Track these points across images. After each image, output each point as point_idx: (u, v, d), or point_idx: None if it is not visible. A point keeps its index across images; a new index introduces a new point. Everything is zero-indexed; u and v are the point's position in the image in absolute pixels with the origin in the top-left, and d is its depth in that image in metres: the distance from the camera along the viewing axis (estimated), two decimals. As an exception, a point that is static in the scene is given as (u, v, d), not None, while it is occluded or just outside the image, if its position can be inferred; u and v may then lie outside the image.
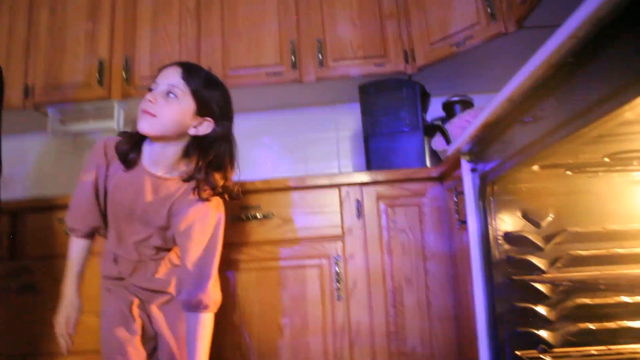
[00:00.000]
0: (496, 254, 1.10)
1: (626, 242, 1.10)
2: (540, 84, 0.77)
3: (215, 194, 1.10)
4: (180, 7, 2.04)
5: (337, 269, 1.51)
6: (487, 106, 0.94)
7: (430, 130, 1.75)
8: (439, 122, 1.77)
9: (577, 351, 1.05)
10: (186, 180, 1.09)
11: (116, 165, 1.11)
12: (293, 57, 1.94)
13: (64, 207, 1.58)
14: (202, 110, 1.08)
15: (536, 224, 1.11)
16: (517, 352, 1.05)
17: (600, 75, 0.63)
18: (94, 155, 1.13)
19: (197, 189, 1.08)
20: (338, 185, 1.56)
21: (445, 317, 1.47)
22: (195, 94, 1.06)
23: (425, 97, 1.80)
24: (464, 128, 1.75)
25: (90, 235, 1.18)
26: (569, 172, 1.04)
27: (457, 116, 1.76)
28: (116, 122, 1.97)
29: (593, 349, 1.05)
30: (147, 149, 1.12)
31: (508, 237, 1.10)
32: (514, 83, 0.80)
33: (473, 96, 1.92)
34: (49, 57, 2.02)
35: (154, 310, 1.14)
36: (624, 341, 1.05)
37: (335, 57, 1.94)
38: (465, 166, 1.20)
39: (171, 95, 1.05)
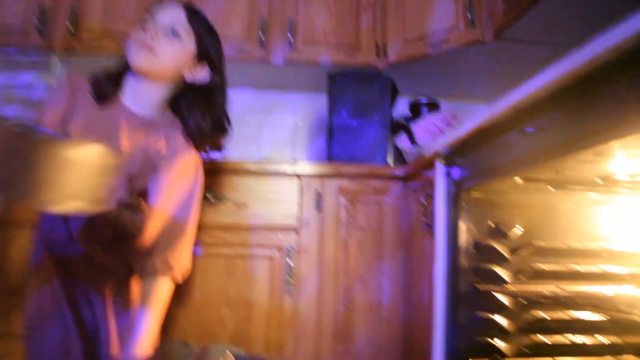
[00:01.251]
0: (463, 262, 1.11)
1: (583, 260, 1.15)
2: (555, 95, 0.74)
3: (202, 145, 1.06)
4: (142, -43, 1.87)
5: (289, 261, 1.45)
6: (484, 111, 0.92)
7: (396, 128, 1.73)
8: (404, 121, 1.75)
9: (528, 363, 1.07)
10: (187, 134, 1.02)
11: (85, 102, 0.98)
12: (261, 34, 1.84)
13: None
14: (202, 55, 1.04)
15: (504, 235, 1.12)
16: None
17: (628, 97, 0.61)
18: (55, 90, 1.00)
19: (192, 140, 1.03)
20: (299, 175, 1.50)
21: (395, 319, 1.46)
22: (199, 38, 1.03)
23: (394, 94, 1.78)
24: (429, 130, 1.75)
25: None
26: (550, 188, 1.05)
27: (424, 117, 1.76)
28: (55, 78, 1.77)
29: (542, 361, 1.08)
30: (130, 85, 1.02)
31: (477, 246, 1.11)
32: (525, 90, 0.77)
33: (439, 100, 1.93)
34: (-19, -9, 1.77)
35: (101, 296, 0.99)
36: (569, 353, 1.10)
37: (306, 41, 1.87)
38: (440, 169, 1.19)
39: (174, 34, 0.99)
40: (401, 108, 2.00)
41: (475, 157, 1.04)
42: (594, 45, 0.61)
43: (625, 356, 1.08)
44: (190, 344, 1.22)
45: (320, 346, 1.43)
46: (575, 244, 1.14)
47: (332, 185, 1.51)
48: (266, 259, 1.46)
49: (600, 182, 0.95)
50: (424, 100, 1.83)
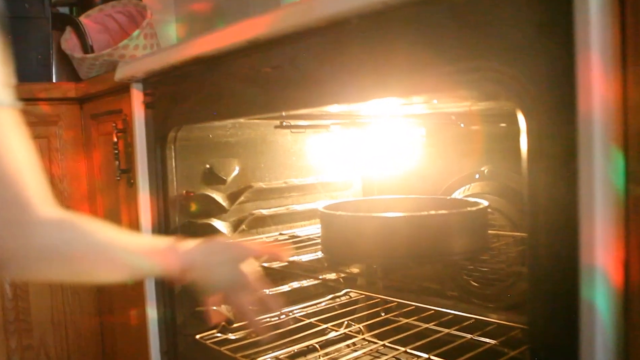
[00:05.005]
0: (175, 218, 1.12)
1: (302, 197, 1.32)
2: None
3: None
4: None
5: None
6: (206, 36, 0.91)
7: (59, 23, 1.54)
8: (71, 14, 1.58)
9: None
10: None
11: None
12: None
13: None
14: None
15: (222, 181, 1.18)
16: (197, 336, 1.12)
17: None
18: None
19: None
20: None
21: (89, 294, 1.44)
22: None
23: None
24: (106, 27, 1.61)
25: None
26: (277, 127, 1.13)
27: (97, 8, 1.60)
28: None
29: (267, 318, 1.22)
30: None
31: (190, 197, 1.14)
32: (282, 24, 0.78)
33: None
34: None
35: None
36: (292, 302, 1.29)
37: None
38: (137, 98, 1.14)
39: None
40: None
41: (189, 88, 1.02)
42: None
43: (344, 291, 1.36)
44: None
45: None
46: (294, 181, 1.30)
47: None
48: None
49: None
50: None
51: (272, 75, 0.84)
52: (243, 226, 1.19)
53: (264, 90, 0.86)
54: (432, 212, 0.94)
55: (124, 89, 1.17)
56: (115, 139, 1.23)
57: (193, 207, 1.13)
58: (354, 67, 0.73)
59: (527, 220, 0.56)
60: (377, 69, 0.70)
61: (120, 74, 1.13)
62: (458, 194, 1.23)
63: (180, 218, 1.12)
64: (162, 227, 1.12)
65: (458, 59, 0.60)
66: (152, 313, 1.15)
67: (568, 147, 0.50)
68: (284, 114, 1.03)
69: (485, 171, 1.18)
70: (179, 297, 1.11)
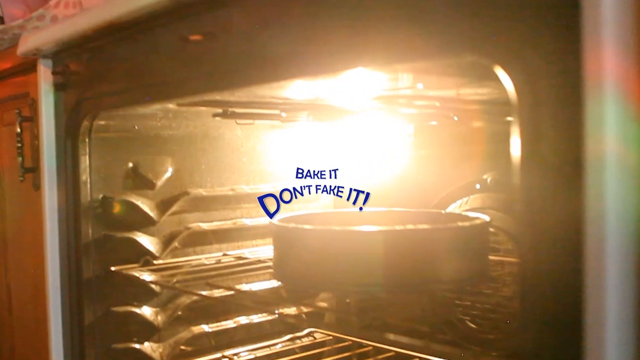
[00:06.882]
0: (88, 231, 1.10)
1: (255, 210, 1.28)
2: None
3: None
4: None
5: None
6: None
7: None
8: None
9: (188, 366, 1.20)
10: None
11: None
12: None
13: None
14: None
15: (150, 184, 1.16)
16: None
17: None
18: None
19: None
20: None
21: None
22: None
23: None
24: None
25: None
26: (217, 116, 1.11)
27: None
28: None
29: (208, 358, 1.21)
30: None
31: (108, 203, 1.12)
32: None
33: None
34: None
35: None
36: (238, 342, 1.26)
37: None
38: (46, 77, 1.13)
39: None
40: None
41: (104, 64, 1.02)
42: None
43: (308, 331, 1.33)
44: None
45: None
46: (244, 188, 1.27)
47: None
48: None
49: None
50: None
51: (203, 45, 0.81)
52: (176, 243, 1.18)
53: (194, 64, 0.84)
54: (410, 226, 0.88)
55: (31, 67, 1.15)
56: (18, 130, 1.20)
57: (112, 216, 1.11)
58: (313, 30, 0.69)
59: (519, 243, 0.53)
60: (346, 31, 0.66)
61: (24, 46, 1.11)
62: (454, 209, 1.20)
63: (95, 230, 1.10)
64: (72, 241, 1.09)
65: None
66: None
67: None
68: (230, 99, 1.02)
69: (489, 180, 1.15)
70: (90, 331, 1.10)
